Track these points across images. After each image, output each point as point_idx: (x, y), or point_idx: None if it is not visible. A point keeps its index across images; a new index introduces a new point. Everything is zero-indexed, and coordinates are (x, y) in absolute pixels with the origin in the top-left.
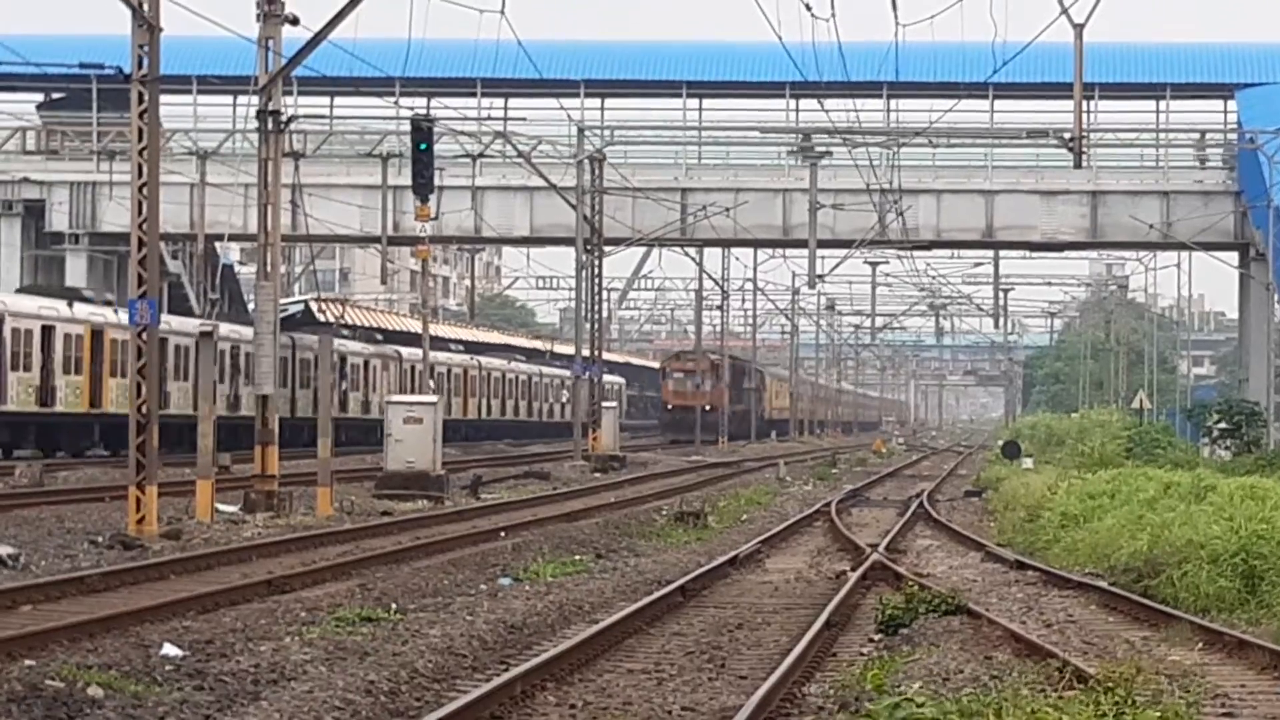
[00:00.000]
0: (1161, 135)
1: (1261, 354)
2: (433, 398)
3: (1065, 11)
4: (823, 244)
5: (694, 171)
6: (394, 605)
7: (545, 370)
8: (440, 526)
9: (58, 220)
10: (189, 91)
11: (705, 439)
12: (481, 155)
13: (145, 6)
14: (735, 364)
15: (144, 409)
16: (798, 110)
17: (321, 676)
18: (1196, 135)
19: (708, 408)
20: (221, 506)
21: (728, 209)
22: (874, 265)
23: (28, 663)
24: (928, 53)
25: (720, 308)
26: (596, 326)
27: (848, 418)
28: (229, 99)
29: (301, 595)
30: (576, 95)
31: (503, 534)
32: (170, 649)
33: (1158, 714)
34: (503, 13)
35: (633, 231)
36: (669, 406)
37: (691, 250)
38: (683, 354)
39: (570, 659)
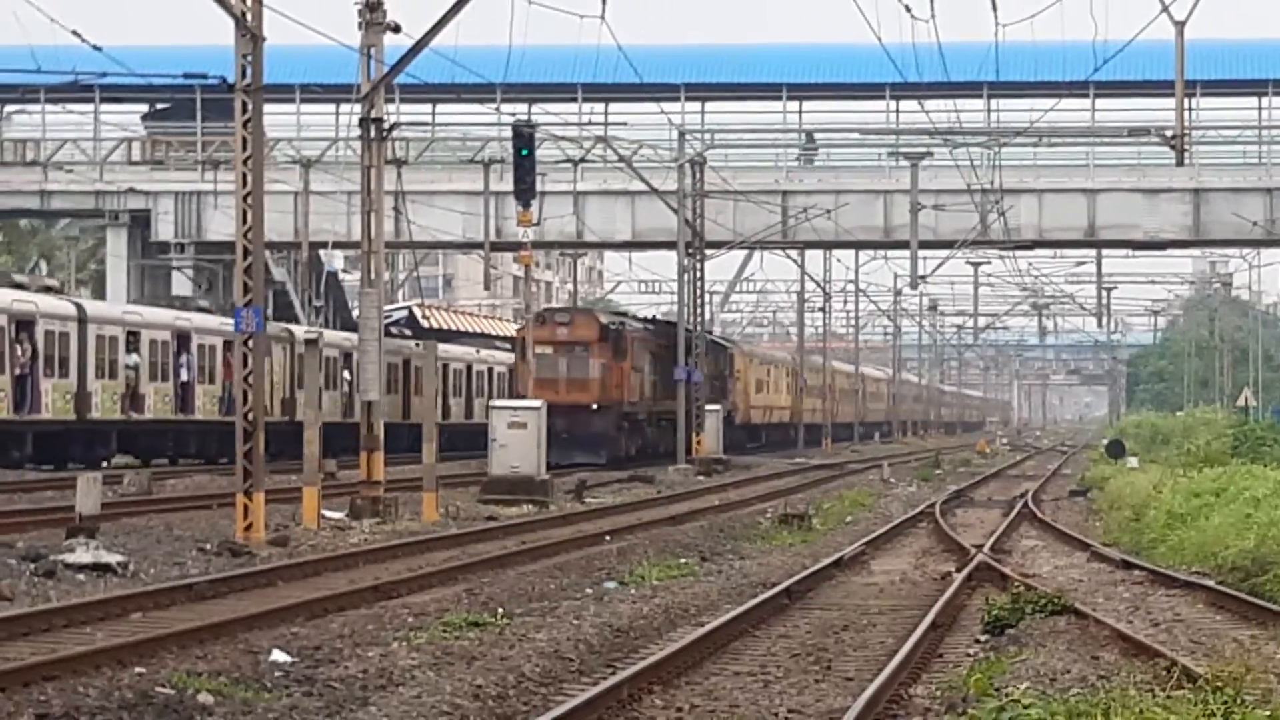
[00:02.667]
0: (1264, 131)
1: None
2: (537, 402)
3: (1166, 9)
4: (924, 245)
5: (794, 174)
6: (500, 610)
7: None
8: (545, 531)
9: (163, 230)
10: (292, 100)
11: (593, 463)
12: (583, 160)
13: (248, 16)
14: (658, 331)
15: (250, 416)
16: (898, 111)
17: (429, 682)
18: None
19: (594, 406)
20: (328, 513)
21: (829, 211)
22: (976, 265)
23: (138, 670)
24: (1028, 52)
25: (822, 309)
26: (700, 329)
27: (950, 418)
28: (332, 107)
29: (408, 601)
30: (677, 99)
31: (608, 538)
32: (279, 655)
33: (1267, 714)
34: (603, 18)
35: (734, 234)
36: None
37: (793, 252)
38: (552, 312)
39: (677, 662)
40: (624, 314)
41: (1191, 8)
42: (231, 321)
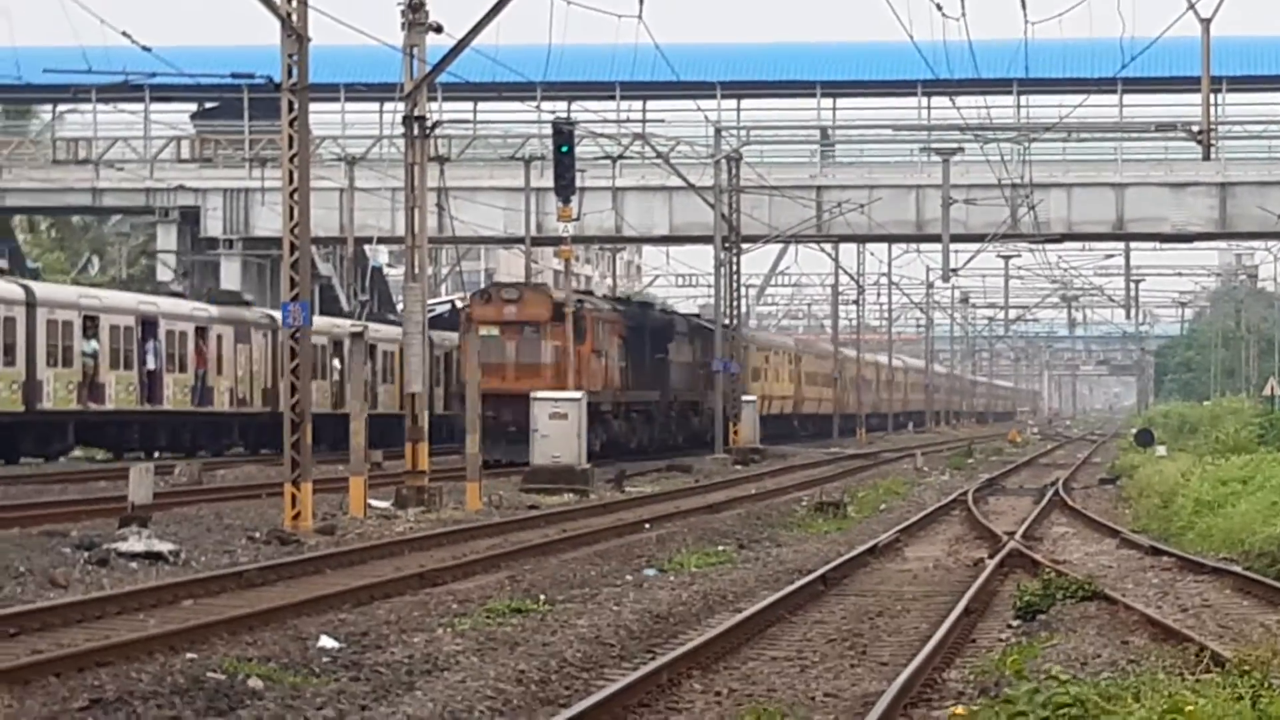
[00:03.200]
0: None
1: None
2: (577, 394)
3: (1192, 6)
4: (956, 238)
5: (828, 169)
6: (542, 596)
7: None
8: (586, 519)
9: (212, 226)
10: (337, 99)
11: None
12: (621, 157)
13: (294, 17)
14: (629, 313)
15: (297, 408)
16: (929, 108)
17: (473, 667)
18: None
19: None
20: (374, 502)
21: (862, 205)
22: (1006, 259)
23: (190, 656)
24: (1057, 49)
25: (856, 302)
26: (735, 322)
27: (981, 408)
28: (376, 106)
29: (453, 588)
30: (713, 97)
31: (647, 526)
32: (327, 641)
33: None
34: (640, 17)
35: (769, 229)
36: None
37: (827, 246)
38: (499, 287)
39: (715, 647)
40: (589, 292)
41: (1217, 5)
42: (203, 306)
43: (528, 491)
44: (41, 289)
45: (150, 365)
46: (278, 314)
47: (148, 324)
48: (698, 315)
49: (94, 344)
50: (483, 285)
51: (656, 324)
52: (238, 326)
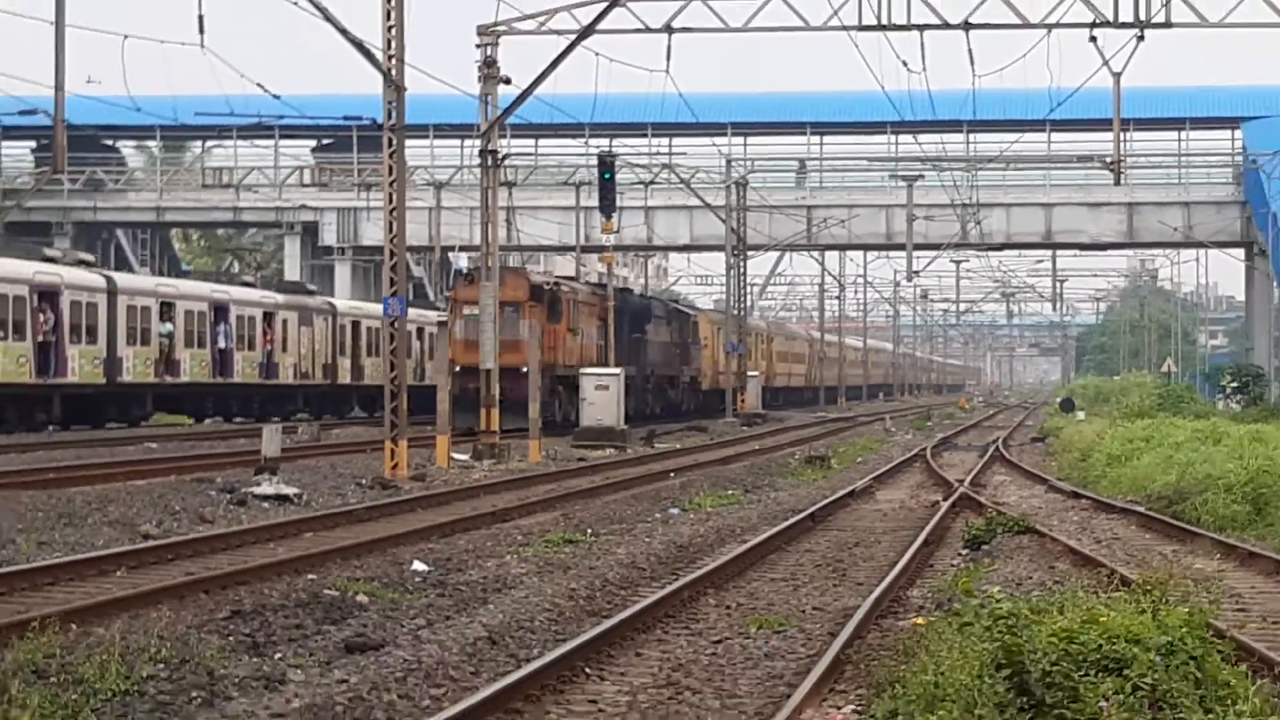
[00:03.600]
0: (1183, 158)
1: (1264, 329)
2: (617, 370)
3: (1106, 63)
4: (918, 247)
5: (816, 192)
6: (589, 530)
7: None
8: (624, 469)
9: (328, 237)
10: (427, 136)
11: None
12: (652, 182)
13: (393, 72)
14: (606, 295)
15: (396, 380)
16: (897, 143)
17: (535, 585)
18: (1210, 158)
19: (523, 369)
20: (456, 455)
21: (843, 221)
22: (958, 263)
23: (310, 576)
24: (999, 97)
25: (838, 298)
26: (742, 314)
27: (937, 382)
28: (458, 142)
29: (518, 523)
30: (725, 135)
31: (672, 475)
32: (418, 565)
33: (1186, 610)
34: (667, 72)
35: (769, 239)
36: (455, 368)
37: (815, 254)
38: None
39: (725, 571)
40: (571, 278)
41: (1126, 61)
42: (270, 294)
43: (577, 447)
44: (122, 278)
45: (221, 345)
46: (336, 301)
47: (220, 309)
48: (675, 300)
49: (169, 326)
50: None
51: (634, 307)
52: (301, 311)
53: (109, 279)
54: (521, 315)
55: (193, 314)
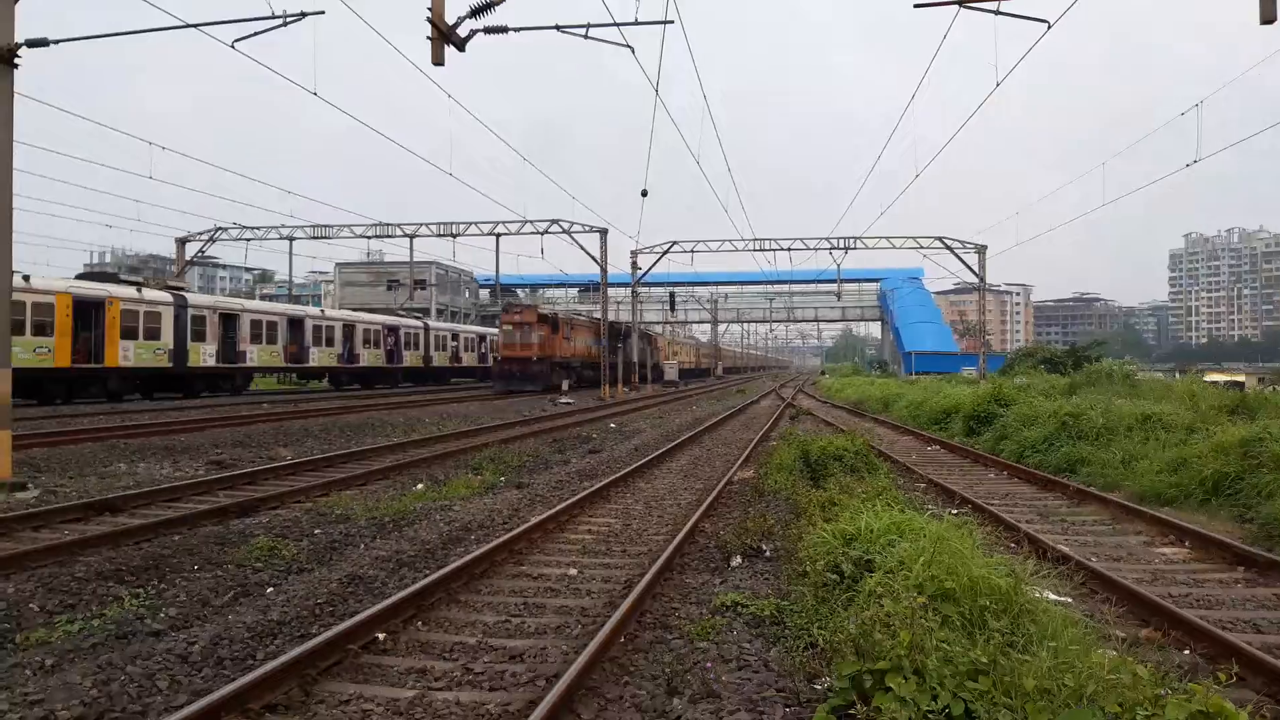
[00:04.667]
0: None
1: (889, 350)
2: (674, 362)
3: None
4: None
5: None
6: (669, 413)
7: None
8: (671, 400)
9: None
10: (612, 286)
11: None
12: (672, 296)
13: (605, 272)
14: (590, 323)
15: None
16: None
17: (650, 430)
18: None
19: (534, 358)
20: (623, 390)
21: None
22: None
23: (579, 431)
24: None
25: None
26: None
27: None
28: (628, 291)
29: (643, 410)
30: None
31: (691, 394)
32: (611, 424)
33: (863, 439)
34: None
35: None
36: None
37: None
38: (512, 306)
39: (718, 427)
40: (578, 313)
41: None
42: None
43: (664, 390)
44: (191, 297)
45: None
46: (476, 327)
47: (294, 321)
48: (628, 324)
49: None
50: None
51: (619, 330)
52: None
53: (179, 297)
54: (533, 329)
55: (260, 323)
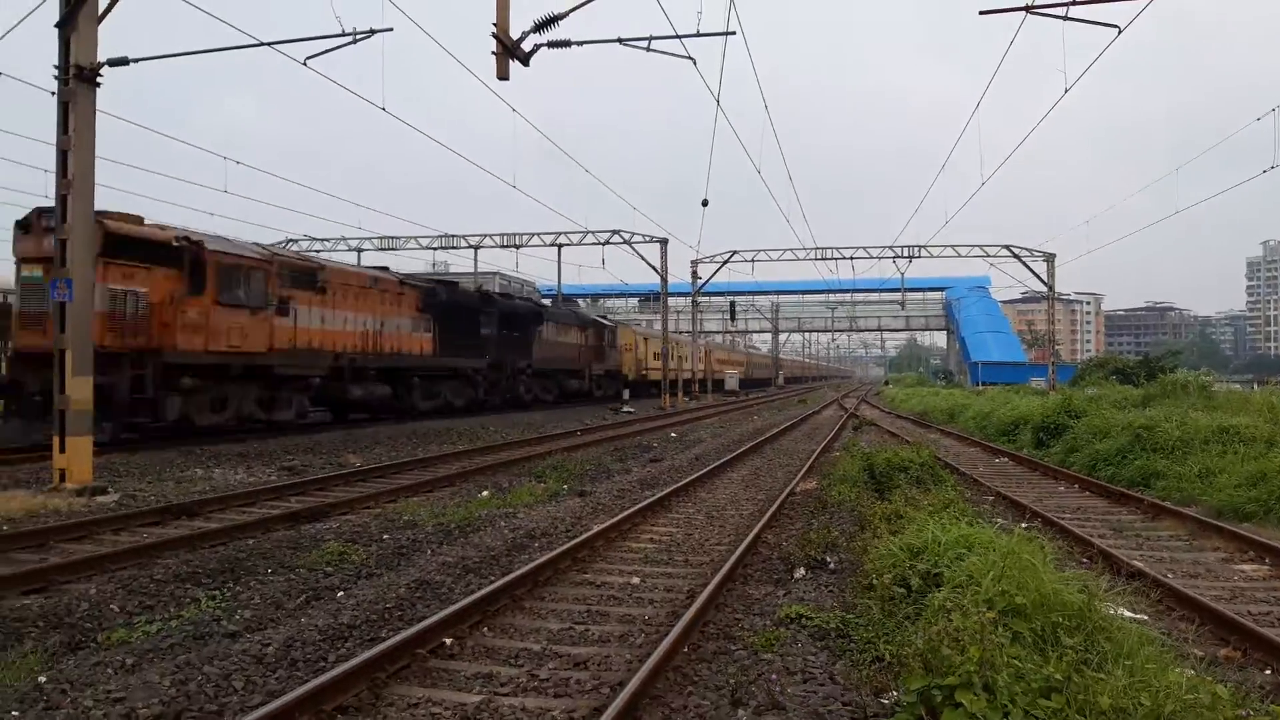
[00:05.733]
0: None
1: (954, 359)
2: (735, 369)
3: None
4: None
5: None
6: (729, 422)
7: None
8: (739, 407)
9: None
10: (672, 296)
11: None
12: (734, 305)
13: (666, 284)
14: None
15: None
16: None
17: (712, 439)
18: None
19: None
20: (683, 399)
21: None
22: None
23: (637, 440)
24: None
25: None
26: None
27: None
28: (688, 301)
29: (704, 420)
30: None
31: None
32: (672, 433)
33: (929, 450)
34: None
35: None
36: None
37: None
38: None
39: (779, 438)
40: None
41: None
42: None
43: (724, 400)
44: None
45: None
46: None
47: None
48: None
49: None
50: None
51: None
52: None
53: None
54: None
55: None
